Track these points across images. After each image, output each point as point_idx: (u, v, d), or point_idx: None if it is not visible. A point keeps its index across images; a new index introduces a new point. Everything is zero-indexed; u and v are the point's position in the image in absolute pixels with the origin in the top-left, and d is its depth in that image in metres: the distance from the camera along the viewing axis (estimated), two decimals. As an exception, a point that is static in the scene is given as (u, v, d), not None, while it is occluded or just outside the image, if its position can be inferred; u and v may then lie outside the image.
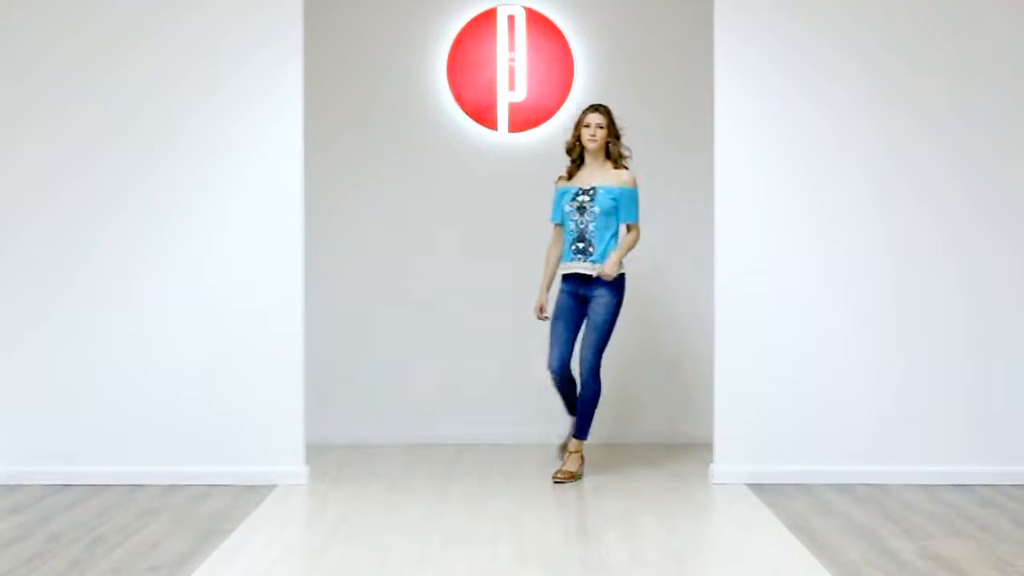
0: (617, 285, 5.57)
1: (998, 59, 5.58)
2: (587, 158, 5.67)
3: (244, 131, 5.53)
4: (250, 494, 5.29)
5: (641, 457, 6.23)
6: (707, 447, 5.79)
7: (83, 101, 5.53)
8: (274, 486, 5.45)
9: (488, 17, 6.72)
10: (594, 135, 5.60)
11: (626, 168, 5.67)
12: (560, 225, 5.70)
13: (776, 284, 5.57)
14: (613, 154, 5.65)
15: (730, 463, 5.56)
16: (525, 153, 6.66)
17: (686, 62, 6.61)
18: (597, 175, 5.63)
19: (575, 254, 5.59)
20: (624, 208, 5.61)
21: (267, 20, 5.52)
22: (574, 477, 5.57)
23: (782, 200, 5.59)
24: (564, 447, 5.78)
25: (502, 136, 6.73)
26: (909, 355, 5.58)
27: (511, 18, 6.71)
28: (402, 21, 6.74)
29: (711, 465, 5.61)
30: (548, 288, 5.75)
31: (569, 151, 5.73)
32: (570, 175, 5.70)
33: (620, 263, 5.56)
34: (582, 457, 5.67)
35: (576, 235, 5.58)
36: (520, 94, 6.69)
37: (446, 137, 6.73)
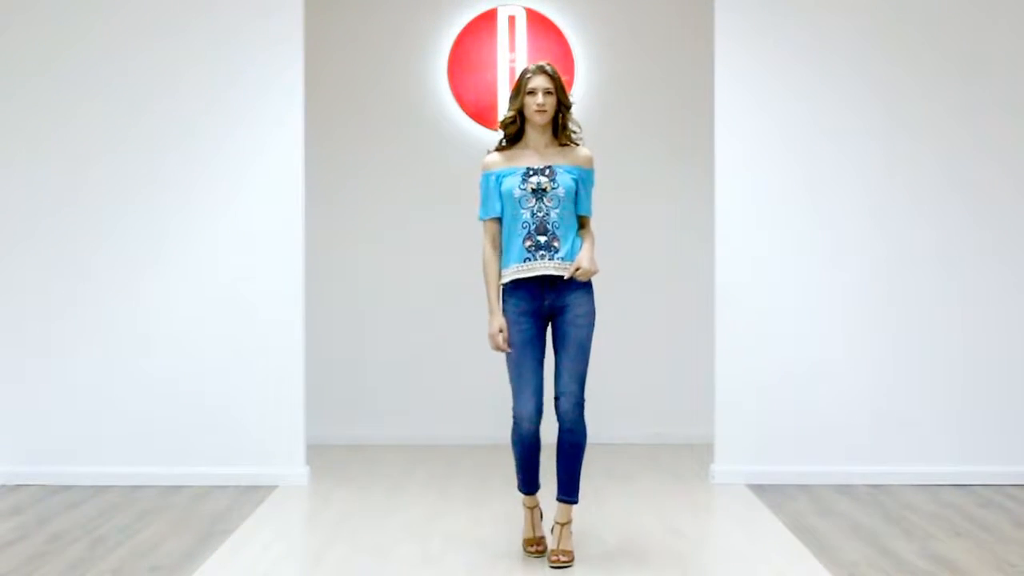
0: (591, 289, 4.28)
1: (997, 66, 5.59)
2: (529, 133, 4.28)
3: (246, 133, 5.54)
4: (251, 495, 5.29)
5: (641, 457, 6.24)
6: (707, 447, 5.79)
7: (87, 105, 5.54)
8: (275, 487, 5.45)
9: (488, 17, 6.72)
10: (543, 104, 4.19)
11: (578, 144, 4.33)
12: (496, 220, 4.29)
13: (776, 285, 5.58)
14: (564, 128, 4.28)
15: (730, 463, 5.56)
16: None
17: (686, 63, 6.61)
18: (548, 153, 4.27)
19: (533, 251, 4.19)
20: (584, 194, 4.27)
21: (269, 24, 5.53)
22: (572, 557, 4.21)
23: (781, 202, 5.59)
24: (538, 540, 4.34)
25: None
26: (909, 356, 5.58)
27: (511, 18, 6.71)
28: (402, 21, 6.74)
29: (711, 465, 5.62)
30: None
31: (506, 125, 4.30)
32: (507, 154, 4.32)
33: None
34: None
35: (534, 226, 4.19)
36: (520, 94, 6.68)
37: (446, 137, 6.73)
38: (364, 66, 6.74)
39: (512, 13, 6.71)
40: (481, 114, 6.70)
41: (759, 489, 5.39)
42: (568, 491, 4.25)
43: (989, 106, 5.58)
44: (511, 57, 6.69)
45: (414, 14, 6.74)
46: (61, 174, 5.52)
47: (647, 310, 6.74)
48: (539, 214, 4.19)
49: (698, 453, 6.12)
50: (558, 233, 4.18)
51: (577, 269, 4.15)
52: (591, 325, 4.24)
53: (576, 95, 6.69)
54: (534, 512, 4.37)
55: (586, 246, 4.21)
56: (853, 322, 5.58)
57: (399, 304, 6.74)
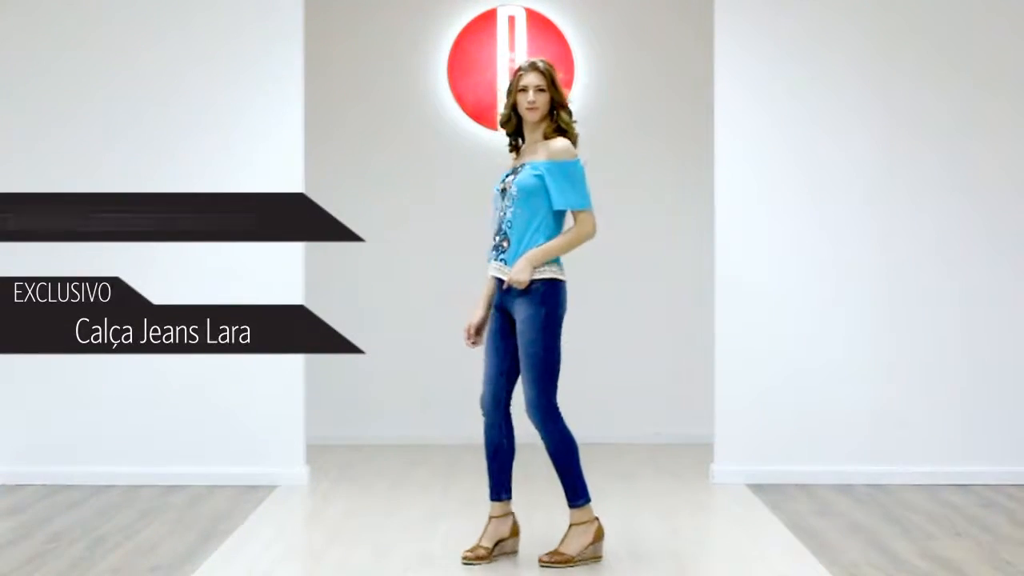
0: (540, 294, 4.06)
1: (996, 65, 5.59)
2: (526, 133, 4.22)
3: (245, 134, 5.55)
4: (250, 494, 5.29)
5: (641, 457, 6.23)
6: (707, 447, 5.79)
7: (85, 105, 5.54)
8: (274, 486, 5.45)
9: (488, 17, 6.72)
10: (533, 102, 4.09)
11: (562, 136, 4.14)
12: None
13: (776, 285, 5.58)
14: (563, 126, 4.15)
15: (730, 463, 5.56)
16: (525, 153, 6.68)
17: (686, 62, 6.62)
18: (531, 151, 4.20)
19: (490, 251, 4.19)
20: (555, 187, 4.05)
21: (269, 22, 5.53)
22: (573, 561, 4.12)
23: (782, 202, 5.59)
24: (475, 550, 4.18)
25: (502, 136, 6.70)
26: (909, 355, 5.58)
27: (511, 18, 6.71)
28: (402, 21, 6.74)
29: (711, 465, 5.62)
30: (487, 304, 4.24)
31: (503, 124, 4.26)
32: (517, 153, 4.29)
33: (533, 267, 4.05)
34: (600, 529, 4.21)
35: (496, 225, 4.18)
36: (520, 94, 6.68)
37: (446, 137, 6.73)
38: (364, 66, 6.74)
39: (512, 13, 6.72)
40: (481, 114, 6.70)
41: (759, 489, 5.40)
42: (569, 497, 4.19)
43: (989, 102, 5.58)
44: (511, 57, 6.69)
45: (414, 14, 6.75)
46: (59, 174, 5.51)
47: (647, 309, 6.74)
48: (500, 213, 4.15)
49: (698, 453, 6.12)
50: (510, 234, 4.11)
51: (509, 279, 4.08)
52: (535, 329, 4.04)
53: (576, 94, 6.69)
54: (490, 522, 4.23)
55: (529, 252, 4.05)
56: (853, 322, 5.58)
57: (399, 304, 6.74)
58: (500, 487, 4.25)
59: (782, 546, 4.45)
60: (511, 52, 6.70)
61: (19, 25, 5.55)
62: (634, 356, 6.73)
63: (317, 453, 5.98)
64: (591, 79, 6.74)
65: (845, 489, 5.41)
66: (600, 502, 5.17)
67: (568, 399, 6.28)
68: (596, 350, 6.71)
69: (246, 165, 5.54)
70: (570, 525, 4.18)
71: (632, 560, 4.23)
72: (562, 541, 4.18)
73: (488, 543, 4.21)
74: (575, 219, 4.14)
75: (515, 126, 4.20)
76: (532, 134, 4.18)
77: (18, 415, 5.56)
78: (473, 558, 4.14)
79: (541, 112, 4.11)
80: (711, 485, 5.54)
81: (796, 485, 5.47)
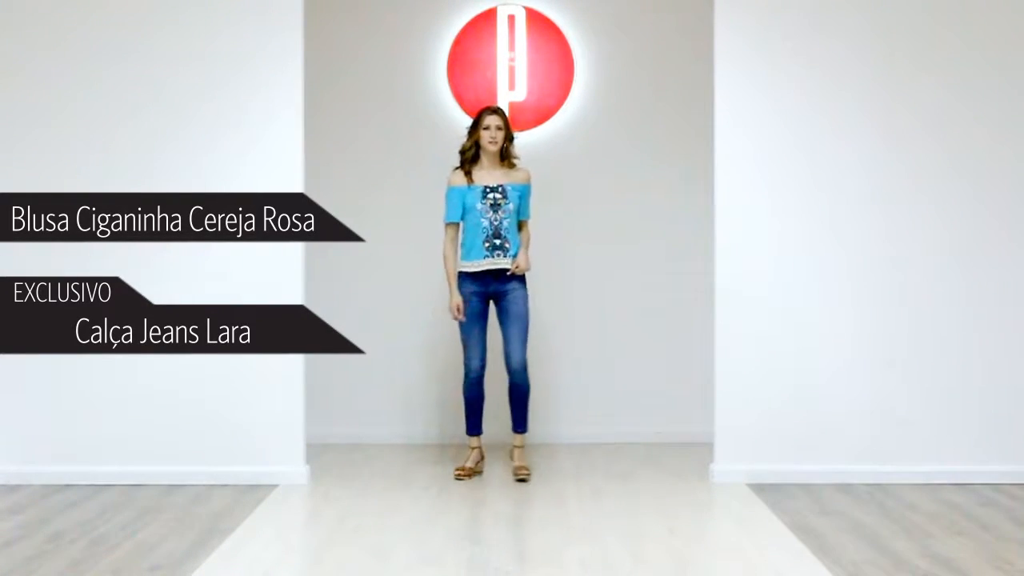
0: (524, 277, 5.76)
1: (1000, 56, 5.57)
2: (483, 159, 5.75)
3: (244, 131, 5.54)
4: (251, 494, 5.29)
5: (641, 457, 6.23)
6: (707, 447, 5.79)
7: (83, 99, 5.53)
8: (275, 486, 5.45)
9: (488, 17, 6.72)
10: (495, 137, 5.68)
11: (516, 166, 5.81)
12: (456, 224, 5.77)
13: (777, 283, 5.57)
14: (508, 155, 5.75)
15: (730, 463, 5.56)
16: (525, 153, 6.62)
17: (686, 61, 6.61)
18: (498, 174, 5.74)
19: (490, 251, 5.66)
20: (524, 204, 5.76)
21: (267, 20, 5.52)
22: (529, 470, 5.75)
23: (783, 199, 5.59)
24: (468, 471, 5.73)
25: (502, 136, 6.73)
26: (910, 355, 5.58)
27: (511, 18, 6.71)
28: (402, 21, 6.74)
29: (711, 465, 5.61)
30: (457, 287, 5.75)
31: (464, 151, 5.78)
32: (468, 174, 5.74)
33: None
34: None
35: (490, 232, 5.65)
36: (520, 94, 6.68)
37: (446, 137, 6.72)
38: (364, 65, 6.73)
39: (512, 12, 6.71)
40: (481, 113, 6.68)
41: (759, 488, 5.39)
42: (521, 423, 5.78)
43: (994, 97, 5.55)
44: (511, 56, 6.68)
45: (414, 13, 6.74)
46: (56, 173, 5.50)
47: (647, 309, 6.73)
48: (495, 223, 5.66)
49: (698, 452, 6.12)
50: (509, 237, 5.68)
51: (517, 267, 5.66)
52: (527, 305, 5.70)
53: (575, 93, 6.70)
54: (475, 452, 5.81)
55: (523, 249, 5.72)
56: (855, 321, 5.58)
57: (399, 303, 6.74)
58: (480, 425, 5.85)
59: (782, 546, 4.45)
60: (511, 51, 6.70)
61: (13, 22, 5.54)
62: (634, 356, 6.73)
63: (317, 453, 5.98)
64: (591, 78, 6.73)
65: (845, 489, 5.41)
66: (600, 501, 5.18)
67: (569, 399, 6.33)
68: (597, 350, 6.71)
69: (246, 165, 5.53)
70: (520, 447, 5.78)
71: (632, 560, 4.23)
72: (520, 458, 5.75)
73: (472, 466, 5.77)
74: (523, 226, 5.80)
75: (472, 153, 5.75)
76: (492, 159, 5.74)
77: (18, 415, 5.56)
78: (463, 476, 5.68)
79: (500, 145, 5.71)
80: (711, 484, 5.54)
81: (796, 485, 5.47)
